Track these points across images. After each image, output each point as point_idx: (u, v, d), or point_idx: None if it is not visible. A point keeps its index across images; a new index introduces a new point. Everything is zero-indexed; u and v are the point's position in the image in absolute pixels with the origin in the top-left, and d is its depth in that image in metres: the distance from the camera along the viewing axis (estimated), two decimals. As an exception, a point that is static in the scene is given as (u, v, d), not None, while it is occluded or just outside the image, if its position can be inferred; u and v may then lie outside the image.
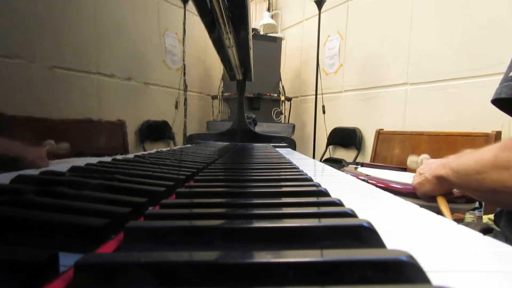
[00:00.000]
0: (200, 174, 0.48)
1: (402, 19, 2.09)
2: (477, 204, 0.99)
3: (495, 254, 0.20)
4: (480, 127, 1.61)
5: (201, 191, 0.36)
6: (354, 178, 0.54)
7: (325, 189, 0.34)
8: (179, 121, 2.59)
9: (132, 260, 0.15)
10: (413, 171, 0.82)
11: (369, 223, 0.20)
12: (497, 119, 1.55)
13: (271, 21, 3.20)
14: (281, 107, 2.95)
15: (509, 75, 0.51)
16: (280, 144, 1.49)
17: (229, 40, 0.98)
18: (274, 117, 2.93)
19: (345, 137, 2.54)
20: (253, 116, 1.76)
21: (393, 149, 2.05)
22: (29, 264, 0.15)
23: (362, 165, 1.49)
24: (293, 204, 0.30)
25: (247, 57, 1.22)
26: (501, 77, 0.54)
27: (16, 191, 0.30)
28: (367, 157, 2.35)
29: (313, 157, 2.48)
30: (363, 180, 0.76)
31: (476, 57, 1.66)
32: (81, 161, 0.51)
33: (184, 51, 2.51)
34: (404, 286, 0.14)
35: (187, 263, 0.14)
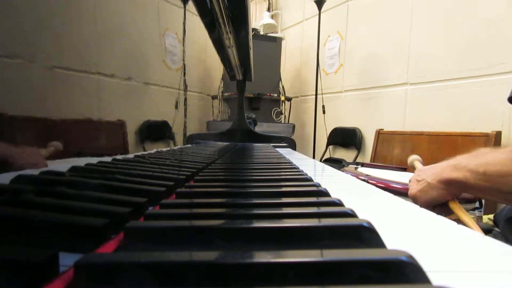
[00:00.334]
0: (200, 174, 0.48)
1: (402, 19, 2.09)
2: (477, 204, 0.99)
3: (495, 254, 0.20)
4: (480, 127, 1.61)
5: (201, 191, 0.36)
6: (354, 178, 0.54)
7: (325, 189, 0.34)
8: (179, 121, 2.59)
9: (132, 260, 0.15)
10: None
11: (369, 223, 0.20)
12: (497, 119, 1.55)
13: (271, 21, 3.20)
14: (281, 107, 2.95)
15: None
16: (280, 144, 1.49)
17: (229, 40, 0.98)
18: (274, 117, 2.93)
19: (345, 137, 2.54)
20: (253, 116, 1.76)
21: (393, 149, 2.05)
22: (29, 264, 0.14)
23: (362, 165, 1.49)
24: (293, 204, 0.30)
25: (247, 57, 1.22)
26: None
27: (16, 191, 0.30)
28: (367, 157, 2.35)
29: (313, 157, 2.48)
30: (363, 180, 0.75)
31: (476, 57, 1.66)
32: (81, 161, 0.51)
33: (184, 51, 2.51)
34: (404, 286, 0.14)
35: (187, 263, 0.14)
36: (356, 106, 2.51)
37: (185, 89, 2.52)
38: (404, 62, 2.09)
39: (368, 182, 0.53)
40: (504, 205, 0.67)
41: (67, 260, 0.17)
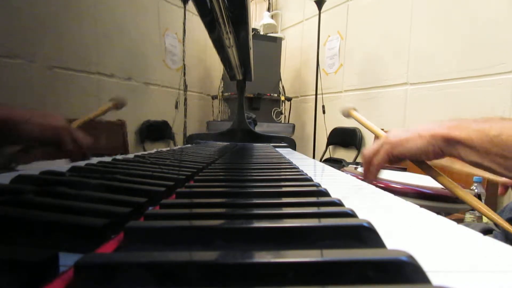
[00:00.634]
0: (200, 174, 0.48)
1: (402, 19, 2.09)
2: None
3: (495, 254, 0.20)
4: (480, 127, 1.61)
5: (201, 191, 0.36)
6: (354, 178, 0.54)
7: (325, 189, 0.34)
8: (179, 121, 2.59)
9: (132, 260, 0.15)
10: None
11: (369, 223, 0.20)
12: (497, 119, 1.55)
13: (271, 21, 3.20)
14: (281, 107, 2.95)
15: None
16: (280, 144, 1.49)
17: (229, 40, 0.98)
18: (274, 117, 2.93)
19: (345, 137, 2.54)
20: (253, 116, 1.76)
21: (393, 149, 2.04)
22: (29, 264, 0.14)
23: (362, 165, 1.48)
24: (293, 204, 0.30)
25: (247, 57, 1.22)
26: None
27: (16, 191, 0.30)
28: (367, 157, 2.35)
29: (313, 157, 2.48)
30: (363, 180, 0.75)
31: (476, 57, 1.66)
32: (81, 161, 0.51)
33: (184, 51, 2.51)
34: (404, 286, 0.14)
35: (187, 263, 0.14)
36: (356, 106, 2.50)
37: (185, 89, 2.52)
38: (404, 62, 2.09)
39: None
40: (504, 205, 0.67)
41: (67, 260, 0.17)
